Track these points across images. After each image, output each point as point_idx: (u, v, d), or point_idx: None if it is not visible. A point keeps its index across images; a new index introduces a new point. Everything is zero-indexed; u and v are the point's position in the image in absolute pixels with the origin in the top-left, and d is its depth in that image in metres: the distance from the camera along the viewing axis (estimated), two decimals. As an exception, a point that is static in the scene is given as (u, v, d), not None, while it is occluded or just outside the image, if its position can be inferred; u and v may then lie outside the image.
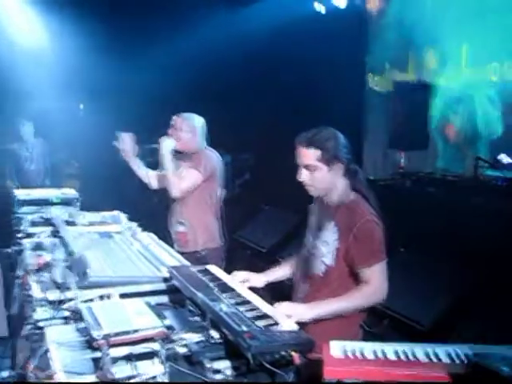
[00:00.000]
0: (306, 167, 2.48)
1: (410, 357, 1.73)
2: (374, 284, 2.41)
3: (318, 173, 2.46)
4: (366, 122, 8.06)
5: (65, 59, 8.07)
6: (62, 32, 7.96)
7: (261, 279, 2.72)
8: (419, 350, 1.76)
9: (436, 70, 6.94)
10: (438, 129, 6.84)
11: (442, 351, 1.75)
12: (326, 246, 2.51)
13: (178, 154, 4.02)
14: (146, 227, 3.71)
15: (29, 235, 3.39)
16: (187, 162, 4.01)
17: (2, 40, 7.76)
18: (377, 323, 3.69)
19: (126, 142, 4.07)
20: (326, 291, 2.49)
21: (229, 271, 2.68)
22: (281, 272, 2.87)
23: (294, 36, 7.56)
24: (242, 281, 2.59)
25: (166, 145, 3.87)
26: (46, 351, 1.95)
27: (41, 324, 2.16)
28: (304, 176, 2.49)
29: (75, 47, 7.92)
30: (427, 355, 1.74)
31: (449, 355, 1.73)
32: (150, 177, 4.23)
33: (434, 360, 1.72)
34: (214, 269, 2.64)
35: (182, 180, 3.90)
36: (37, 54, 8.14)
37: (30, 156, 7.98)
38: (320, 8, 8.20)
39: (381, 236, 2.47)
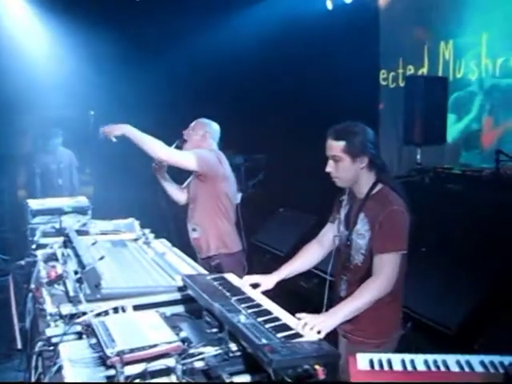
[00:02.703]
0: (333, 158, 2.56)
1: (442, 367, 1.63)
2: (385, 274, 2.41)
3: (342, 163, 2.53)
4: (379, 119, 7.94)
5: (73, 66, 8.05)
6: (70, 40, 7.93)
7: (271, 280, 2.67)
8: (451, 360, 1.66)
9: (453, 62, 6.79)
10: (459, 122, 6.70)
11: (475, 360, 1.64)
12: (363, 239, 2.55)
13: None
14: (159, 233, 3.66)
15: (42, 246, 3.33)
16: None
17: (10, 51, 7.76)
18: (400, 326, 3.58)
19: (158, 164, 3.96)
20: (366, 278, 2.47)
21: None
22: (292, 267, 2.82)
23: (305, 34, 7.48)
24: (254, 285, 2.55)
25: (120, 128, 3.68)
26: (60, 368, 1.88)
27: (54, 340, 2.09)
28: (330, 167, 2.58)
29: (84, 54, 7.90)
30: (459, 365, 1.64)
31: (482, 364, 1.63)
32: (178, 192, 4.16)
33: (467, 370, 1.62)
34: (230, 277, 2.56)
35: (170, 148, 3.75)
36: (45, 62, 8.11)
37: (58, 169, 7.34)
38: (330, 5, 8.08)
39: (405, 225, 2.48)
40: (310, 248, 2.87)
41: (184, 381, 1.73)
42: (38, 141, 8.08)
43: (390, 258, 2.41)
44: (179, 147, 3.89)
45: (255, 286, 2.56)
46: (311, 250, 2.86)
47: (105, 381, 1.75)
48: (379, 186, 2.58)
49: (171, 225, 6.12)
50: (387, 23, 7.83)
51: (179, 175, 4.16)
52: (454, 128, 6.76)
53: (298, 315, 2.08)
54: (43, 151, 7.35)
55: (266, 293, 2.52)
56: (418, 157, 6.07)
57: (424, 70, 7.25)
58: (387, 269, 2.40)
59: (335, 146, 2.53)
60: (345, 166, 2.53)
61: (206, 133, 4.01)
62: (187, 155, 3.75)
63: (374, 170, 2.59)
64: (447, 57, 6.89)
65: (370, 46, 7.64)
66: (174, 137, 3.93)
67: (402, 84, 7.44)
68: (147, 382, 1.71)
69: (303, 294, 4.57)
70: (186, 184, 4.17)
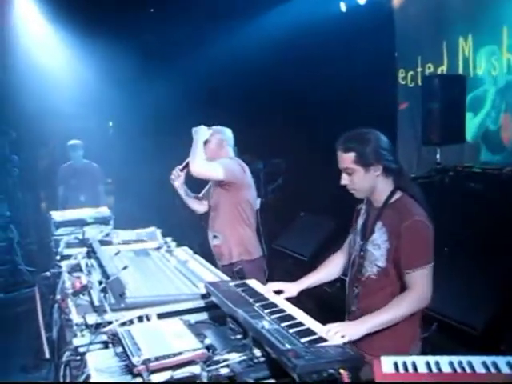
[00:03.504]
0: (345, 170, 2.49)
1: (467, 368, 1.62)
2: (420, 289, 2.34)
3: (356, 175, 2.46)
4: (397, 119, 7.89)
5: (92, 78, 8.14)
6: (88, 52, 8.03)
7: (295, 288, 2.67)
8: (476, 361, 1.65)
9: (473, 58, 6.62)
10: (475, 117, 6.60)
11: (502, 361, 1.63)
12: (378, 250, 2.46)
13: None
14: (180, 240, 3.69)
15: (66, 257, 3.38)
16: None
17: (30, 64, 7.88)
18: (425, 328, 3.55)
19: (176, 174, 4.04)
20: (380, 293, 2.44)
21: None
22: (316, 277, 2.81)
23: (320, 37, 7.47)
24: (276, 291, 2.55)
25: (202, 133, 3.86)
26: (87, 377, 1.91)
27: (81, 349, 2.12)
28: (344, 180, 2.51)
29: (101, 66, 7.99)
30: (485, 366, 1.63)
31: (509, 365, 1.61)
32: (196, 202, 4.21)
33: (493, 371, 1.61)
34: (253, 283, 2.58)
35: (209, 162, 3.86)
36: (64, 75, 8.21)
37: (78, 185, 6.67)
38: (344, 7, 8.07)
39: (429, 237, 2.40)
40: (335, 258, 2.85)
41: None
42: (56, 154, 7.97)
43: (421, 274, 2.34)
44: None
45: (278, 292, 2.57)
46: (336, 261, 2.84)
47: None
48: (398, 194, 2.49)
49: (192, 233, 6.15)
50: (403, 22, 7.70)
51: (196, 185, 4.20)
52: (472, 124, 6.65)
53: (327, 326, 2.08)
54: (65, 166, 6.89)
55: (288, 298, 2.53)
56: (438, 156, 6.02)
57: (444, 68, 7.08)
58: (420, 284, 2.33)
59: (346, 158, 2.45)
60: (359, 177, 2.46)
61: (222, 141, 4.05)
62: (216, 166, 3.81)
63: (391, 176, 2.50)
64: (467, 53, 6.72)
65: (385, 46, 7.60)
66: (189, 144, 3.96)
67: (420, 83, 7.34)
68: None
69: (327, 299, 4.56)
70: (202, 193, 4.20)
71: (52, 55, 8.34)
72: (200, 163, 3.77)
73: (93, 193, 6.69)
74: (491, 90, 6.44)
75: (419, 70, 7.51)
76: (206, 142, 4.03)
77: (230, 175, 3.83)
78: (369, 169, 2.44)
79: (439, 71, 7.12)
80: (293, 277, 2.77)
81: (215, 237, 4.00)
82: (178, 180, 4.05)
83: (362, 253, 2.54)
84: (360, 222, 2.66)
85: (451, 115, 5.86)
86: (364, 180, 2.47)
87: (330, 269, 2.84)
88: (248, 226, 4.01)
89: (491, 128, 6.51)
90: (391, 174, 2.50)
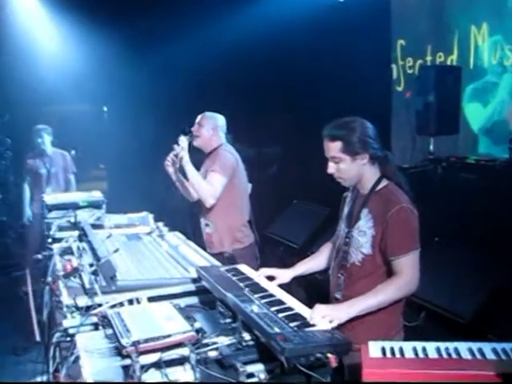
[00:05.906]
0: (332, 159, 2.49)
1: (453, 354, 1.64)
2: (407, 274, 2.36)
3: (343, 164, 2.47)
4: (393, 108, 7.86)
5: (86, 62, 8.09)
6: (83, 36, 7.96)
7: (288, 274, 2.69)
8: (462, 347, 1.67)
9: (489, 47, 6.42)
10: (492, 111, 6.54)
11: (487, 348, 1.65)
12: (363, 236, 2.47)
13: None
14: (172, 226, 3.70)
15: (57, 240, 3.38)
16: (206, 162, 4.02)
17: (23, 46, 7.82)
18: (414, 316, 3.58)
19: (171, 161, 4.02)
20: (364, 281, 2.46)
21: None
22: (309, 265, 2.84)
23: (317, 26, 7.42)
24: (269, 277, 2.56)
25: (183, 144, 3.82)
26: (77, 358, 1.92)
27: (71, 331, 2.13)
28: (331, 168, 2.51)
29: (97, 50, 7.93)
30: (471, 352, 1.65)
31: (494, 351, 1.63)
32: (190, 189, 4.17)
33: (479, 357, 1.63)
34: (244, 268, 2.59)
35: (212, 186, 3.84)
36: (58, 58, 8.15)
37: (47, 175, 6.33)
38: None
39: (415, 224, 2.43)
40: (326, 248, 2.86)
41: (198, 370, 1.76)
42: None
43: (408, 260, 2.36)
44: (190, 142, 3.91)
45: (271, 278, 2.58)
46: (326, 250, 2.85)
47: (121, 370, 1.78)
48: (384, 182, 2.51)
49: (186, 218, 6.15)
50: (409, 10, 7.53)
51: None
52: (482, 115, 6.52)
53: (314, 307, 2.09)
54: (31, 154, 6.42)
55: (279, 284, 2.54)
56: (431, 147, 6.03)
57: (454, 58, 6.91)
58: (407, 270, 2.35)
59: (332, 147, 2.46)
60: (346, 166, 2.47)
61: (216, 127, 4.04)
62: (217, 180, 3.82)
63: (378, 164, 2.52)
64: (479, 42, 6.53)
65: (383, 35, 7.57)
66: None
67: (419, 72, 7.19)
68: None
69: (317, 286, 4.59)
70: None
71: (46, 38, 8.27)
72: (212, 196, 3.80)
73: (63, 184, 6.41)
74: (503, 80, 6.31)
75: (429, 58, 7.29)
76: (199, 126, 4.02)
77: (229, 174, 3.86)
78: (355, 157, 2.45)
79: (449, 61, 6.96)
80: (284, 264, 2.79)
81: (207, 225, 4.00)
82: (172, 166, 4.03)
83: (347, 239, 2.55)
84: (346, 209, 2.67)
85: (446, 106, 5.87)
86: (351, 168, 2.48)
87: (321, 259, 2.86)
88: (240, 213, 4.01)
89: (497, 118, 6.41)
90: (378, 162, 2.51)
